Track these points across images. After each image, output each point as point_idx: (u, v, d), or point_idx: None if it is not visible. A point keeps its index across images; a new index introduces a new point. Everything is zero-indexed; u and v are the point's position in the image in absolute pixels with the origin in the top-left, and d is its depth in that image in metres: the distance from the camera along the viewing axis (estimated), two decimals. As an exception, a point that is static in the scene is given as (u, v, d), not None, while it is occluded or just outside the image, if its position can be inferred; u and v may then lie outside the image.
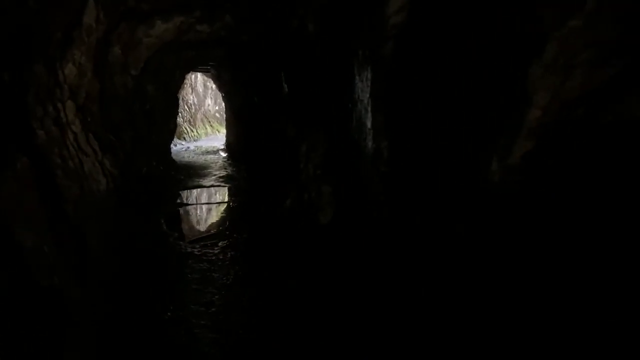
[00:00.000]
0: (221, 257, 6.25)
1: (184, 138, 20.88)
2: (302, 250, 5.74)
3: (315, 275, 5.19)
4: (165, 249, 6.61)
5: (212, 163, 15.06)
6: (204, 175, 12.66)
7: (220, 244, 6.77)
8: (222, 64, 14.57)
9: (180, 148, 18.81)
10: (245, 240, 6.85)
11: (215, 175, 12.79)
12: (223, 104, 25.59)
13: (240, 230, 7.37)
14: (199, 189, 11.04)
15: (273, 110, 9.36)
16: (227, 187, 11.18)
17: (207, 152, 17.92)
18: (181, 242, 6.89)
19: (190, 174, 12.84)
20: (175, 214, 8.78)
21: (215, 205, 9.57)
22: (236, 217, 8.30)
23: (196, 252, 6.45)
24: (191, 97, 22.87)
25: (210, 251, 6.49)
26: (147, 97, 9.40)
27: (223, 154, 17.27)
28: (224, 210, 9.10)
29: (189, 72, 15.82)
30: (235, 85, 15.21)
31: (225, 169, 13.93)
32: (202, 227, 7.90)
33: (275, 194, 8.22)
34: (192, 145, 20.23)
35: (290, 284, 5.12)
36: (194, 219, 8.54)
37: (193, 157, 16.63)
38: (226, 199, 9.94)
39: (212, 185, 11.38)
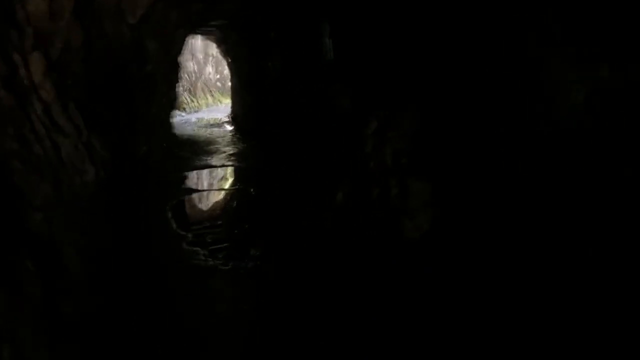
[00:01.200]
0: (259, 279, 4.45)
1: (184, 109, 18.85)
2: (375, 281, 3.93)
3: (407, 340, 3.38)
4: (178, 262, 4.80)
5: (219, 138, 13.13)
6: (212, 153, 10.77)
7: (252, 252, 4.96)
8: (230, 24, 12.51)
9: (180, 120, 16.81)
10: (286, 252, 5.04)
11: (224, 152, 10.90)
12: (226, 72, 23.47)
13: (274, 233, 5.57)
14: (208, 170, 9.16)
15: (304, 75, 7.48)
16: (240, 168, 9.31)
17: (211, 125, 15.95)
18: (199, 250, 5.07)
19: (196, 150, 10.94)
20: (183, 205, 6.94)
21: (231, 192, 7.71)
22: (262, 212, 6.46)
23: (222, 267, 4.64)
24: (191, 65, 20.71)
25: (242, 264, 4.69)
26: (148, 57, 7.44)
27: (229, 127, 15.33)
28: (244, 199, 7.26)
29: (191, 33, 13.73)
30: (245, 49, 13.20)
31: (235, 144, 12.04)
32: (222, 226, 6.05)
33: (313, 183, 6.38)
34: (193, 117, 18.22)
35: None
36: (208, 212, 6.69)
37: (196, 130, 14.67)
38: (243, 185, 8.07)
39: (224, 165, 9.51)
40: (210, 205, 6.97)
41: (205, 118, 18.11)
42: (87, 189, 4.06)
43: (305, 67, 7.42)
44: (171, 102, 11.54)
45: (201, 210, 6.73)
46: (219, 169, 9.28)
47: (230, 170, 9.26)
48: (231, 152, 10.94)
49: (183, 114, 18.44)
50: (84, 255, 3.57)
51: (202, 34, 16.04)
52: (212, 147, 11.53)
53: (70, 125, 3.95)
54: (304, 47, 7.48)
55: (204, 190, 7.66)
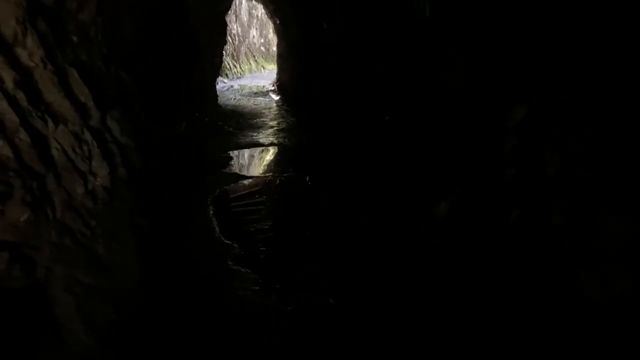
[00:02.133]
0: (339, 330, 3.04)
1: (226, 75, 17.44)
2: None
3: None
4: (220, 294, 3.42)
5: (265, 109, 11.68)
6: (258, 127, 9.35)
7: (322, 283, 3.54)
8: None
9: (222, 87, 15.41)
10: (368, 284, 3.59)
11: (272, 127, 9.46)
12: (270, 36, 21.88)
13: (346, 250, 4.13)
14: (256, 150, 7.75)
15: (378, 39, 5.89)
16: (291, 148, 7.85)
17: (255, 94, 14.49)
18: (249, 274, 3.69)
19: (241, 124, 9.53)
20: (228, 197, 5.56)
21: (282, 180, 6.27)
22: (324, 212, 5.01)
23: (282, 308, 3.24)
24: (234, 27, 19.15)
25: (310, 303, 3.28)
26: (188, 12, 5.98)
27: (275, 97, 13.85)
28: (299, 192, 5.82)
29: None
30: (296, 8, 11.58)
31: (283, 117, 10.57)
32: (275, 230, 4.64)
33: (393, 180, 4.87)
34: (235, 84, 16.79)
35: None
36: (256, 209, 5.29)
37: (240, 99, 13.25)
38: (296, 171, 6.62)
39: (272, 144, 8.08)
40: (258, 197, 5.55)
41: (249, 85, 16.66)
42: (97, 200, 2.68)
43: (380, 28, 5.81)
44: (215, 69, 10.11)
45: (248, 206, 5.33)
46: (268, 148, 7.86)
47: (279, 149, 7.82)
48: (279, 126, 9.49)
49: (225, 80, 17.04)
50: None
51: (248, -8, 14.42)
52: (258, 120, 10.10)
53: (68, 103, 2.54)
54: (377, 3, 5.85)
55: (251, 177, 6.24)
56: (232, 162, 6.94)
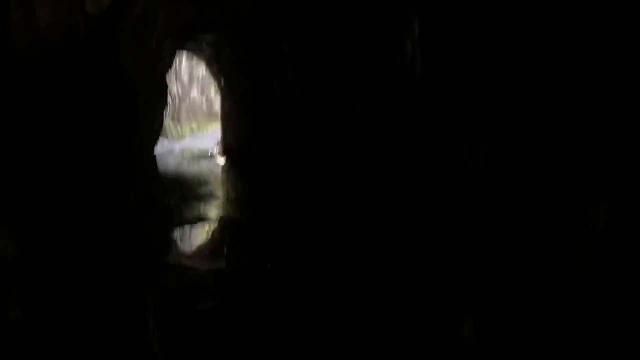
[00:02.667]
0: None
1: (167, 137, 16.25)
2: None
3: None
4: None
5: (210, 175, 10.60)
6: (205, 198, 8.24)
7: None
8: (227, 36, 10.11)
9: (163, 150, 14.20)
10: None
11: (220, 196, 8.39)
12: (212, 95, 21.03)
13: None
14: (204, 228, 6.60)
15: (350, 100, 5.09)
16: (246, 223, 6.77)
17: (199, 158, 13.38)
18: None
19: (186, 195, 8.37)
20: (173, 299, 4.36)
21: (239, 271, 5.14)
22: (298, 322, 3.93)
23: None
24: (175, 87, 18.18)
25: None
26: (123, 71, 4.96)
27: (220, 161, 12.79)
28: (261, 287, 4.71)
29: (181, 48, 11.27)
30: (244, 68, 10.80)
31: (232, 184, 9.52)
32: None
33: (390, 280, 3.88)
34: (177, 147, 15.61)
35: None
36: (207, 316, 4.11)
37: (182, 164, 12.09)
38: (255, 255, 5.53)
39: (222, 219, 6.98)
40: (210, 301, 4.39)
41: (192, 148, 15.54)
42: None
43: (352, 88, 5.02)
44: (155, 134, 8.99)
45: (197, 314, 4.14)
46: (218, 225, 6.74)
47: (230, 226, 6.73)
48: (228, 196, 8.45)
49: (166, 142, 15.83)
50: None
51: (190, 50, 13.60)
52: (204, 189, 8.99)
53: None
54: (350, 60, 5.09)
55: (197, 270, 5.07)
56: (175, 246, 5.77)
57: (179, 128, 17.43)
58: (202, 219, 6.85)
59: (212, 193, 8.63)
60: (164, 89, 8.62)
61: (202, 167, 11.63)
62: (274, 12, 7.12)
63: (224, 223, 6.72)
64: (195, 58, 16.32)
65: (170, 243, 5.80)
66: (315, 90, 6.57)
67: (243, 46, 10.28)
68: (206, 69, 14.93)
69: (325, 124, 6.40)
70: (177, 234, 6.16)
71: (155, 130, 8.79)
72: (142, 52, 6.08)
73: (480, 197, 2.74)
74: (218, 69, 12.47)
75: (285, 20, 7.03)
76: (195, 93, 20.70)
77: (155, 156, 9.65)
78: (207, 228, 6.48)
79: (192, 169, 11.29)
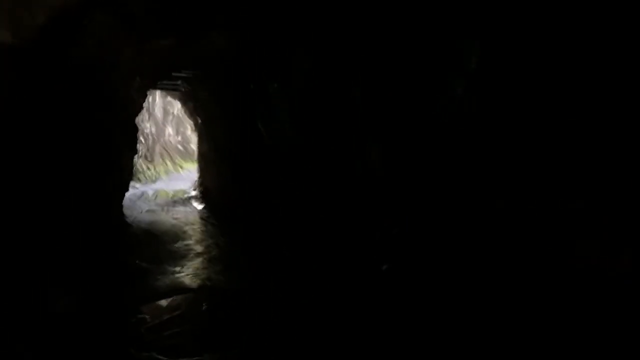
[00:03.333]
0: None
1: (139, 179, 15.03)
2: None
3: None
4: None
5: (187, 224, 9.43)
6: (182, 257, 7.08)
7: None
8: (203, 74, 9.13)
9: (134, 195, 12.99)
10: None
11: (199, 254, 7.25)
12: (188, 133, 19.93)
13: None
14: (181, 301, 5.43)
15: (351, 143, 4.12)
16: (233, 293, 5.64)
17: (175, 202, 12.20)
18: None
19: (158, 253, 7.19)
20: None
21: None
22: None
23: None
24: (148, 125, 17.03)
25: None
26: (90, 110, 3.90)
27: (198, 205, 11.66)
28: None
29: (153, 87, 10.22)
30: (221, 108, 9.81)
31: (212, 236, 8.39)
32: None
33: None
34: (150, 190, 14.38)
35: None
36: None
37: (155, 211, 10.87)
38: (240, 338, 4.41)
39: (203, 287, 5.83)
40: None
41: (166, 190, 14.34)
42: None
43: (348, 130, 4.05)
44: (124, 182, 7.85)
45: None
46: (198, 296, 5.58)
47: (214, 297, 5.58)
48: (209, 253, 7.30)
49: (138, 185, 14.60)
50: None
51: (163, 89, 12.57)
52: (180, 244, 7.82)
53: None
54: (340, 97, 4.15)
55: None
56: (146, 323, 4.60)
57: (152, 168, 16.23)
58: (179, 288, 5.69)
59: (189, 250, 7.47)
60: (132, 132, 7.55)
61: (178, 214, 10.44)
62: (259, 46, 6.18)
63: (207, 293, 5.57)
64: (168, 94, 15.30)
65: (138, 325, 4.62)
66: (313, 135, 5.59)
67: (222, 84, 9.32)
68: (181, 106, 13.90)
69: (326, 173, 5.41)
70: (147, 310, 4.98)
71: (125, 178, 7.66)
72: (111, 88, 5.04)
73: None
74: (194, 107, 11.47)
75: (276, 57, 6.09)
76: (169, 131, 19.60)
77: (122, 210, 8.48)
78: (186, 302, 5.31)
79: (167, 217, 10.10)
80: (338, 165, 5.17)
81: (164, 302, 5.29)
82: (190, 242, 7.99)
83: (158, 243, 7.82)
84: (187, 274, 6.27)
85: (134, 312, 4.92)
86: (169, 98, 17.64)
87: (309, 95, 5.88)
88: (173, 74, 9.86)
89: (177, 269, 6.48)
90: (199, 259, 6.94)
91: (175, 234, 8.49)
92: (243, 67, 7.52)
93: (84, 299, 4.70)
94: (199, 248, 7.57)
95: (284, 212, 7.06)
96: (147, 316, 4.92)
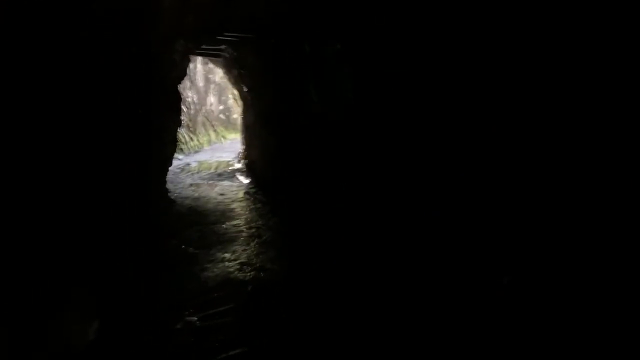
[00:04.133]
0: None
1: (181, 150, 14.40)
2: None
3: None
4: None
5: (234, 201, 8.66)
6: (231, 240, 6.30)
7: None
8: (250, 39, 8.18)
9: (177, 166, 12.36)
10: None
11: (249, 236, 6.45)
12: (230, 102, 19.15)
13: None
14: (230, 301, 4.60)
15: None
16: (290, 286, 4.79)
17: (219, 175, 11.47)
18: None
19: (205, 236, 6.45)
20: None
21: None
22: None
23: None
24: (189, 94, 16.29)
25: None
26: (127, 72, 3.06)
27: (243, 179, 10.89)
28: None
29: (194, 53, 9.34)
30: (270, 74, 8.87)
31: (261, 215, 7.59)
32: None
33: None
34: (193, 161, 13.74)
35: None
36: None
37: (199, 185, 10.17)
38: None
39: (256, 280, 5.01)
40: None
41: (209, 161, 13.66)
42: None
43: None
44: (166, 158, 7.08)
45: None
46: (252, 293, 4.76)
47: (270, 293, 4.75)
48: (260, 236, 6.49)
49: (180, 156, 13.97)
50: None
51: (206, 55, 11.69)
52: (228, 224, 7.05)
53: None
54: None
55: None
56: (192, 341, 3.82)
57: (195, 139, 15.56)
58: (230, 282, 4.90)
59: (238, 231, 6.69)
60: (176, 101, 6.71)
61: (224, 189, 9.69)
62: (316, 3, 5.16)
63: (261, 287, 4.75)
64: (210, 61, 14.45)
65: (185, 334, 3.85)
66: (372, 102, 4.60)
67: (273, 48, 8.35)
68: (224, 74, 13.03)
69: (383, 144, 4.44)
70: (193, 318, 4.20)
71: (167, 154, 6.88)
72: (142, 49, 4.16)
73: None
74: (239, 74, 10.55)
75: (334, 14, 5.07)
76: (212, 100, 18.85)
77: (164, 185, 7.75)
78: (236, 303, 4.50)
79: (212, 192, 9.36)
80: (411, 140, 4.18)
81: (211, 305, 4.48)
82: (239, 221, 7.21)
83: (204, 223, 7.07)
84: (238, 262, 5.47)
85: (179, 315, 4.15)
86: (210, 65, 16.82)
87: (379, 58, 4.86)
88: (218, 37, 8.95)
89: (227, 255, 5.70)
90: (250, 244, 6.14)
91: (222, 213, 7.73)
92: (298, 26, 6.51)
93: (113, 306, 3.96)
94: (248, 230, 6.77)
95: (340, 191, 6.13)
96: (195, 318, 4.15)
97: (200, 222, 7.14)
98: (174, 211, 7.61)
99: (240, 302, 4.43)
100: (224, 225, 6.98)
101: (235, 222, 7.17)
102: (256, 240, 6.30)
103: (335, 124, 6.64)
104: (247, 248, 5.98)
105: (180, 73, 6.92)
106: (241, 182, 10.59)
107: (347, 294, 4.37)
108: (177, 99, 6.83)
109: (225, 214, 7.68)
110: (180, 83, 7.48)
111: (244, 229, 6.79)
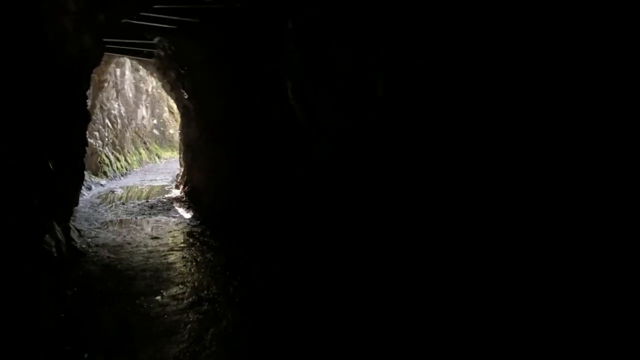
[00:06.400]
0: None
1: (105, 173, 11.38)
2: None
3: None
4: None
5: (174, 250, 6.03)
6: (170, 332, 3.71)
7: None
8: (197, 26, 5.72)
9: (96, 195, 9.45)
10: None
11: (206, 325, 3.90)
12: (165, 115, 16.26)
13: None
14: None
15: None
16: None
17: (151, 208, 8.69)
18: None
19: (125, 322, 3.80)
20: None
21: None
22: None
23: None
24: (116, 106, 13.27)
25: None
26: None
27: (184, 212, 8.22)
28: None
29: (108, 50, 6.67)
30: (224, 72, 6.41)
31: (216, 279, 5.04)
32: None
33: None
34: (118, 187, 10.81)
35: None
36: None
37: (125, 225, 7.40)
38: None
39: None
40: None
41: (140, 187, 10.81)
42: None
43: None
44: (68, 188, 4.36)
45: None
46: None
47: None
48: (218, 319, 3.97)
49: (103, 181, 10.99)
50: None
51: (134, 54, 8.97)
52: (164, 296, 4.44)
53: None
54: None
55: None
56: None
57: (122, 159, 12.60)
58: None
59: (180, 313, 4.11)
60: (80, 99, 4.04)
61: (158, 231, 7.01)
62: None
63: None
64: (141, 67, 11.68)
65: None
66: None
67: (224, 37, 5.96)
68: (158, 80, 10.33)
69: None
70: None
71: (69, 186, 4.20)
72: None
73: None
74: (179, 77, 7.96)
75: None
76: (143, 112, 15.87)
77: (69, 236, 5.07)
78: None
79: (140, 237, 6.65)
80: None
81: None
82: (181, 289, 4.63)
83: (126, 295, 4.42)
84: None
85: None
86: (142, 72, 13.98)
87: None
88: (151, 23, 6.38)
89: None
90: (203, 341, 3.60)
91: (154, 272, 5.09)
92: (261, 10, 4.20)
93: None
94: (197, 307, 4.21)
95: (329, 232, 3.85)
96: None
97: (120, 292, 4.49)
98: (81, 273, 4.89)
99: None
100: (157, 299, 4.38)
101: (175, 291, 4.58)
102: (211, 330, 3.76)
103: (318, 137, 4.35)
104: (197, 351, 3.43)
105: (87, 56, 4.26)
106: (181, 216, 7.93)
107: None
108: (82, 95, 4.18)
109: (159, 274, 5.05)
110: (91, 72, 4.84)
111: (190, 306, 4.23)
